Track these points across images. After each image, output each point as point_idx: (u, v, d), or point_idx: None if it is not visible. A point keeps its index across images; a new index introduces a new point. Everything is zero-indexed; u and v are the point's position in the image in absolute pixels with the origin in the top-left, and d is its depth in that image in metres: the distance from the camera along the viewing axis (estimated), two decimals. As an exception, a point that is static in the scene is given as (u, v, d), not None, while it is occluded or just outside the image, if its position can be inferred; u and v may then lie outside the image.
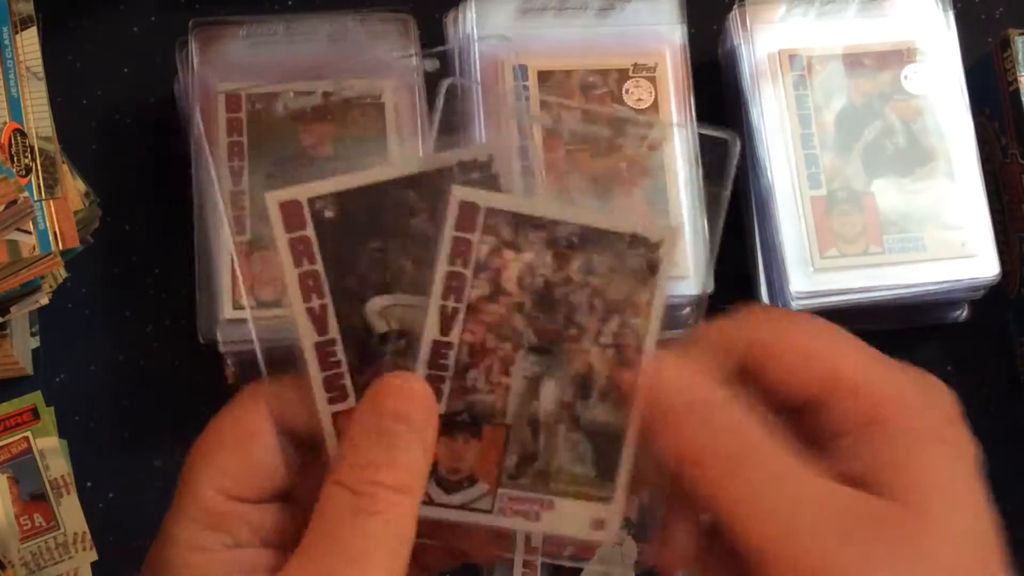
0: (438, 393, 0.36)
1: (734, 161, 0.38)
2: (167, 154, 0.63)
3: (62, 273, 0.57)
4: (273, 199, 0.37)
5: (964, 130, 0.62)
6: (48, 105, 0.56)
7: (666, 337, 0.36)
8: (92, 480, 0.61)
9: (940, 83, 0.62)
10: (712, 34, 0.66)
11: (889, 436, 0.33)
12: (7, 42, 0.56)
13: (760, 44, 0.62)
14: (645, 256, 0.36)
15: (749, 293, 0.63)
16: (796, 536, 0.31)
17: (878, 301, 0.60)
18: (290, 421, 0.36)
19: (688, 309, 0.55)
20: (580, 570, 0.57)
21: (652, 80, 0.61)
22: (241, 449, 0.35)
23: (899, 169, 0.61)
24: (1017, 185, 0.63)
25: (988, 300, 0.62)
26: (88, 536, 0.59)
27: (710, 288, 0.57)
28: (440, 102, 0.40)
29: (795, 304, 0.59)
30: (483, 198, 0.36)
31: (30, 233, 0.52)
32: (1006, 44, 0.63)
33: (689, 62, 0.61)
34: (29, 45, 0.57)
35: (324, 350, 0.37)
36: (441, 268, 0.36)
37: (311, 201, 0.37)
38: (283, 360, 0.37)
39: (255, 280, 0.55)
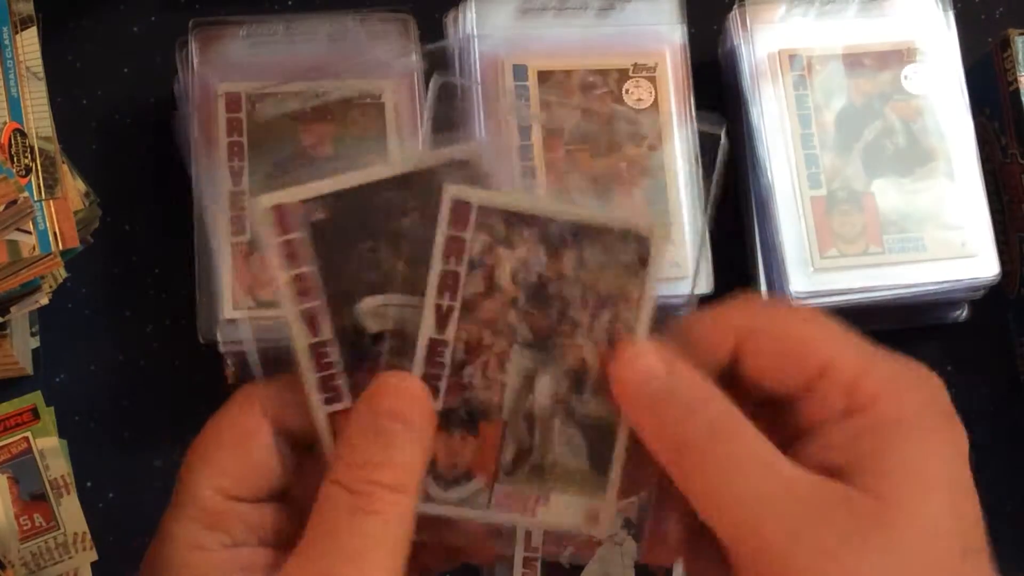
0: (435, 390, 0.36)
1: (722, 154, 0.38)
2: (167, 154, 0.63)
3: (62, 273, 0.57)
4: (263, 202, 0.37)
5: (964, 130, 0.62)
6: (48, 105, 0.56)
7: (658, 330, 0.36)
8: (92, 480, 0.61)
9: (940, 83, 0.62)
10: (712, 34, 0.66)
11: (872, 426, 0.33)
12: (7, 42, 0.56)
13: (760, 44, 0.62)
14: (636, 250, 0.36)
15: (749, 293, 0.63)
16: (764, 525, 0.31)
17: (878, 301, 0.60)
18: (286, 421, 0.36)
19: (687, 309, 0.55)
20: (580, 570, 0.57)
21: (652, 80, 0.61)
22: (239, 449, 0.36)
23: (899, 169, 0.61)
24: (1017, 185, 0.63)
25: (988, 300, 0.62)
26: (88, 536, 0.59)
27: (710, 288, 0.57)
28: (431, 99, 0.41)
29: (795, 304, 0.59)
30: (475, 196, 0.36)
31: (30, 233, 0.52)
32: (1006, 44, 0.63)
33: (689, 62, 0.61)
34: (29, 45, 0.57)
35: (318, 351, 0.37)
36: (435, 266, 0.36)
37: (301, 204, 0.37)
38: (281, 360, 0.38)
39: (254, 280, 0.55)
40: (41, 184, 0.54)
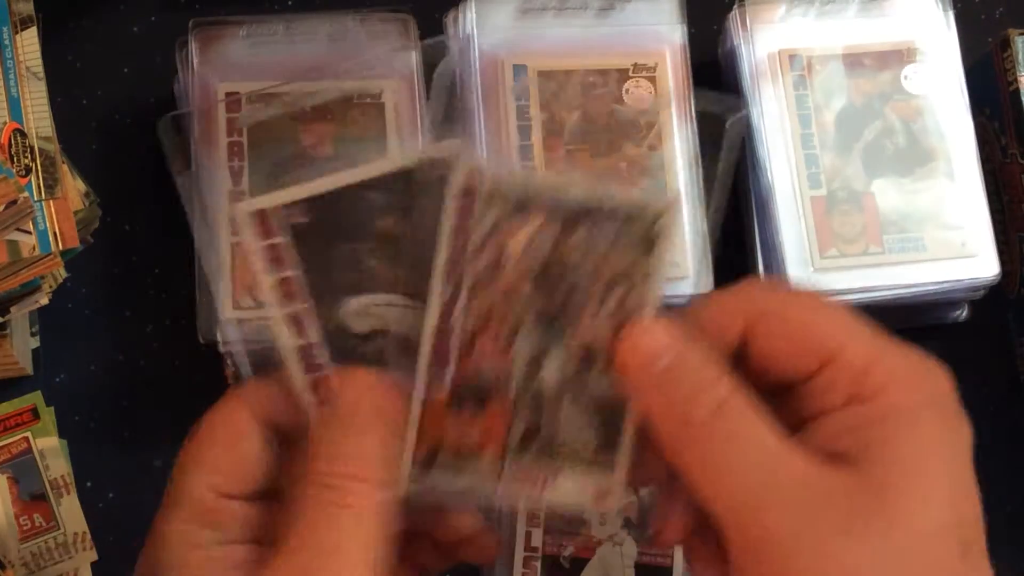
0: (443, 367, 0.36)
1: (737, 137, 0.38)
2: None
3: (62, 273, 0.57)
4: (244, 207, 0.37)
5: (964, 130, 0.62)
6: (48, 105, 0.56)
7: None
8: (92, 480, 0.61)
9: (940, 83, 0.62)
10: (712, 34, 0.67)
11: (879, 415, 0.32)
12: (7, 42, 0.56)
13: (760, 44, 0.62)
14: (646, 229, 0.36)
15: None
16: (765, 510, 0.31)
17: (878, 301, 0.60)
18: (277, 419, 0.37)
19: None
20: (580, 570, 0.57)
21: (652, 80, 0.61)
22: (230, 447, 0.36)
23: (899, 169, 0.61)
24: (1017, 185, 0.63)
25: (988, 300, 0.62)
26: (88, 536, 0.59)
27: (710, 288, 0.57)
28: (436, 93, 0.41)
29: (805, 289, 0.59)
30: (487, 172, 0.36)
31: (30, 233, 0.52)
32: (1006, 44, 0.63)
33: (689, 62, 0.61)
34: (29, 45, 0.57)
35: (305, 353, 0.38)
36: (445, 243, 0.36)
37: (282, 208, 0.38)
38: (273, 360, 0.38)
39: (254, 281, 0.55)
40: (41, 184, 0.54)
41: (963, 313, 0.64)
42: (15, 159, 0.53)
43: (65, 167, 0.57)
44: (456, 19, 0.62)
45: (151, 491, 0.60)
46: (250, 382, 0.38)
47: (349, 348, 0.38)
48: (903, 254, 0.60)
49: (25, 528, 0.58)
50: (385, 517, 0.34)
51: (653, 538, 0.38)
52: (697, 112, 0.59)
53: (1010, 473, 0.62)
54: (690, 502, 0.35)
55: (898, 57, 0.63)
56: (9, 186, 0.49)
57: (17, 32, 0.56)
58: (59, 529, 0.58)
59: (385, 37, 0.60)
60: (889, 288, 0.59)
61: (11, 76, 0.55)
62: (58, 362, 0.62)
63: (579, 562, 0.57)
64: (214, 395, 0.38)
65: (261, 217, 0.37)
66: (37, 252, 0.52)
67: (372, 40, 0.60)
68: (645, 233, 0.36)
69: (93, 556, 0.59)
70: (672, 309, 0.36)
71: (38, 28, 0.57)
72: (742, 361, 0.35)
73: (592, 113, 0.60)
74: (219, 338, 0.55)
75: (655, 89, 0.61)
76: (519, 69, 0.60)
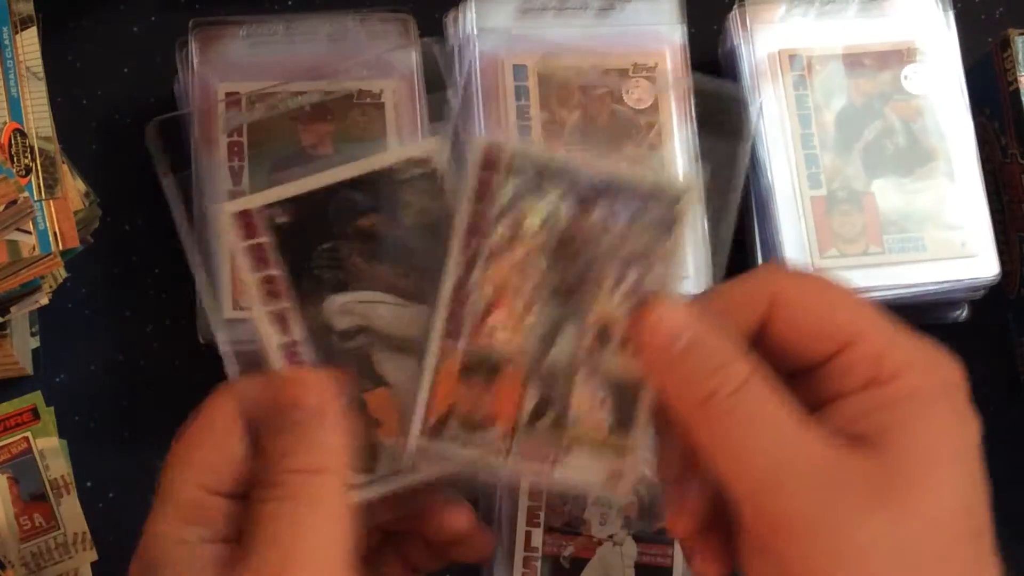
0: (459, 333, 0.36)
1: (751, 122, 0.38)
2: (167, 155, 0.63)
3: (62, 273, 0.57)
4: (227, 209, 0.38)
5: (964, 130, 0.62)
6: (48, 105, 0.56)
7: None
8: (92, 480, 0.61)
9: (940, 83, 0.62)
10: (712, 34, 0.66)
11: (895, 399, 0.33)
12: (7, 42, 0.56)
13: (760, 44, 0.62)
14: (666, 208, 0.36)
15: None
16: (785, 489, 0.32)
17: (878, 301, 0.60)
18: (263, 416, 0.37)
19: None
20: (580, 570, 0.57)
21: (652, 80, 0.61)
22: (217, 444, 0.36)
23: (899, 169, 0.61)
24: (1017, 185, 0.63)
25: (988, 300, 0.62)
26: (88, 536, 0.59)
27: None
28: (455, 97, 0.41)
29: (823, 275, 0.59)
30: (507, 144, 0.36)
31: (30, 233, 0.52)
32: (1006, 44, 0.63)
33: (689, 62, 0.61)
34: (29, 45, 0.57)
35: (289, 351, 0.38)
36: (463, 212, 0.36)
37: (263, 209, 0.38)
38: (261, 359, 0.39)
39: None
40: (41, 184, 0.54)
41: (963, 313, 0.64)
42: (15, 159, 0.53)
43: (65, 167, 0.57)
44: (456, 19, 0.62)
45: (151, 491, 0.60)
46: (238, 380, 0.39)
47: (332, 345, 0.38)
48: (903, 254, 0.60)
49: (25, 528, 0.58)
50: (343, 507, 0.35)
51: (668, 523, 0.37)
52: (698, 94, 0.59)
53: (1010, 473, 0.62)
54: (701, 495, 0.35)
55: (898, 57, 0.63)
56: (9, 186, 0.49)
57: (17, 32, 0.56)
58: (59, 529, 0.58)
59: (385, 37, 0.60)
60: (889, 288, 0.59)
61: (11, 76, 0.55)
62: (58, 362, 0.62)
63: (579, 562, 0.57)
64: (214, 395, 0.38)
65: (244, 217, 0.38)
66: (37, 252, 0.52)
67: (372, 40, 0.60)
68: (664, 214, 0.36)
69: (93, 556, 0.59)
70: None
71: (38, 28, 0.57)
72: (759, 344, 0.35)
73: (592, 113, 0.60)
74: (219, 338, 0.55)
75: (655, 89, 0.61)
76: (519, 69, 0.60)
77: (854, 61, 0.62)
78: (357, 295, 0.39)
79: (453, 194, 0.38)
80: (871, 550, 0.31)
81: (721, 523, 0.35)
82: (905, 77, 0.62)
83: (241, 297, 0.55)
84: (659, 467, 0.37)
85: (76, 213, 0.56)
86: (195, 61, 0.59)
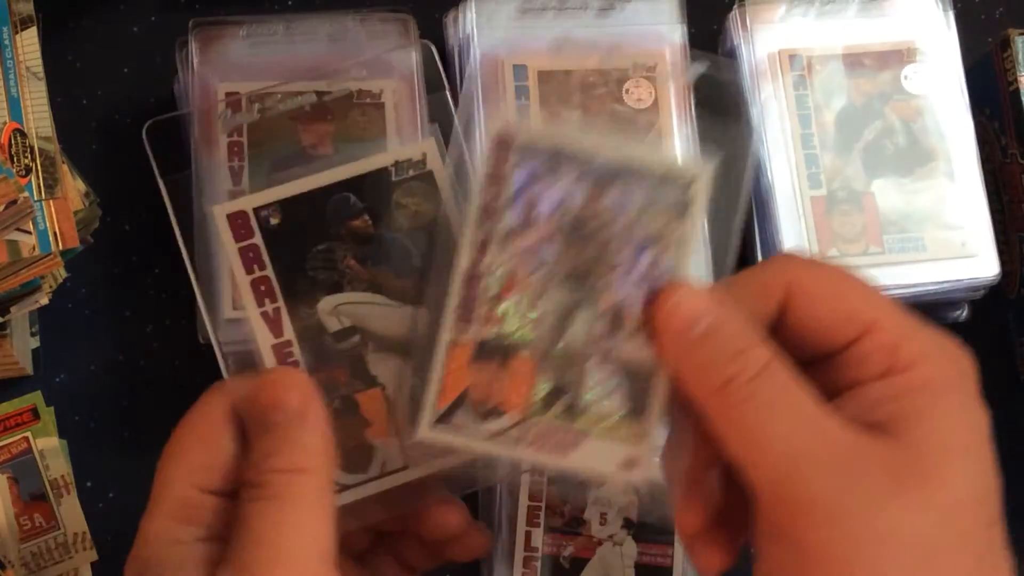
0: (471, 319, 0.36)
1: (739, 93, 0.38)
2: (167, 155, 0.63)
3: (62, 273, 0.57)
4: (220, 211, 0.38)
5: (964, 130, 0.62)
6: (48, 105, 0.56)
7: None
8: (92, 480, 0.61)
9: (940, 83, 0.62)
10: (712, 34, 0.66)
11: (912, 387, 0.33)
12: (7, 42, 0.56)
13: (760, 44, 0.62)
14: (679, 193, 0.36)
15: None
16: (806, 475, 0.32)
17: (878, 301, 0.60)
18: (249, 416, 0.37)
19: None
20: (580, 570, 0.57)
21: (652, 80, 0.61)
22: (209, 442, 0.36)
23: (899, 169, 0.61)
24: (1017, 185, 0.63)
25: (988, 300, 0.62)
26: (88, 536, 0.59)
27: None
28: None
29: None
30: (520, 128, 0.36)
31: (30, 233, 0.52)
32: (1006, 44, 0.63)
33: (689, 62, 0.61)
34: (29, 45, 0.57)
35: (281, 351, 0.38)
36: (475, 197, 0.36)
37: (256, 211, 0.38)
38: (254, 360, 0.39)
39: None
40: (41, 184, 0.54)
41: (963, 313, 0.64)
42: (15, 159, 0.53)
43: (65, 167, 0.57)
44: (456, 19, 0.62)
45: (151, 491, 0.60)
46: (229, 379, 0.39)
47: (325, 346, 0.38)
48: (903, 254, 0.60)
49: (25, 528, 0.58)
50: (325, 505, 0.35)
51: (679, 515, 0.37)
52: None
53: (1010, 473, 0.62)
54: (712, 487, 0.35)
55: (898, 57, 0.63)
56: (9, 186, 0.49)
57: (17, 32, 0.56)
58: (59, 529, 0.58)
59: (385, 37, 0.60)
60: (889, 288, 0.59)
61: (11, 76, 0.55)
62: (58, 362, 0.62)
63: (579, 562, 0.57)
64: (214, 395, 0.38)
65: (236, 219, 0.38)
66: (37, 252, 0.52)
67: (372, 40, 0.60)
68: (679, 197, 0.36)
69: (93, 556, 0.59)
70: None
71: (38, 28, 0.57)
72: (775, 334, 0.35)
73: (592, 113, 0.60)
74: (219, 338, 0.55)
75: (655, 89, 0.61)
76: (519, 69, 0.60)
77: (854, 61, 0.62)
78: (350, 296, 0.39)
79: (447, 196, 0.38)
80: (889, 538, 0.31)
81: (729, 514, 0.35)
82: (905, 77, 0.62)
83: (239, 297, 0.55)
84: (669, 456, 0.37)
85: (76, 213, 0.56)
86: (195, 61, 0.59)
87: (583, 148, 0.36)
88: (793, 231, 0.60)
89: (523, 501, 0.58)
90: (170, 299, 0.63)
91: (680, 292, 0.35)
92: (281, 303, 0.38)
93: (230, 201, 0.39)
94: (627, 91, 0.60)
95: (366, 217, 0.39)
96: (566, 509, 0.58)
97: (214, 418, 0.37)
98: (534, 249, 0.36)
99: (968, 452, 0.32)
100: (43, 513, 0.59)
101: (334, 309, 0.39)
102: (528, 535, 0.57)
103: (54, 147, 0.56)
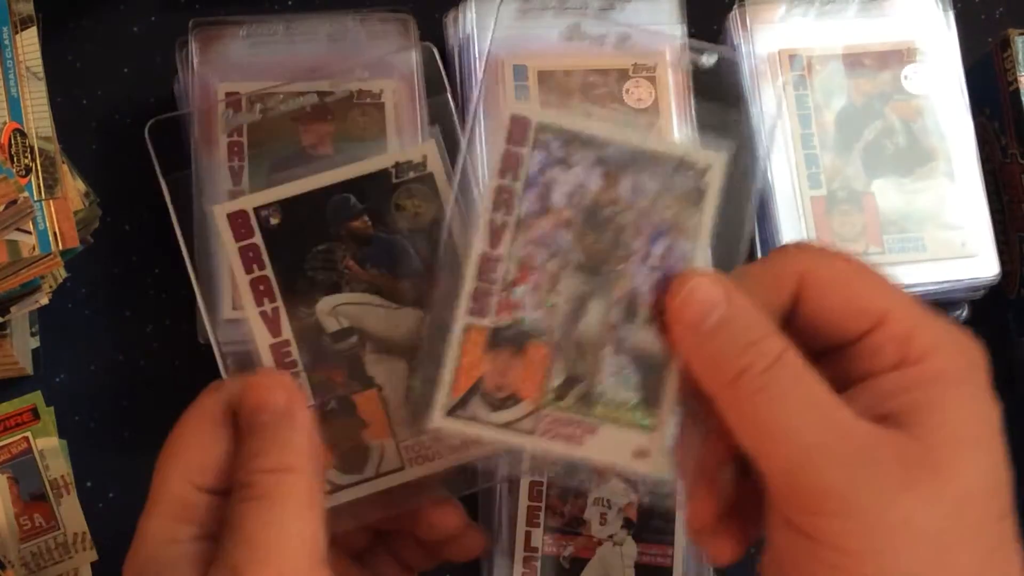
0: (485, 307, 0.36)
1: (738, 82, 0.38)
2: (167, 155, 0.63)
3: (62, 273, 0.57)
4: (220, 211, 0.38)
5: (964, 130, 0.62)
6: (48, 105, 0.56)
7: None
8: (92, 480, 0.61)
9: (940, 83, 0.62)
10: (712, 34, 0.66)
11: (925, 379, 0.33)
12: (7, 42, 0.56)
13: (760, 44, 0.62)
14: (693, 181, 0.36)
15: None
16: (819, 466, 0.31)
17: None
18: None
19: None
20: (580, 570, 0.57)
21: (652, 80, 0.61)
22: (206, 441, 0.37)
23: (899, 169, 0.61)
24: (1017, 185, 0.63)
25: (988, 300, 0.62)
26: (88, 536, 0.59)
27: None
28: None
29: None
30: (535, 113, 0.36)
31: (30, 233, 0.52)
32: (1006, 44, 0.63)
33: (700, 52, 0.61)
34: (29, 45, 0.57)
35: (279, 351, 0.38)
36: (491, 182, 0.36)
37: (257, 210, 0.38)
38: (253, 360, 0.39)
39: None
40: (41, 184, 0.54)
41: (963, 313, 0.64)
42: (15, 159, 0.53)
43: (65, 167, 0.57)
44: (456, 19, 0.62)
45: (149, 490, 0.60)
46: (226, 378, 0.39)
47: (323, 346, 0.38)
48: (903, 254, 0.60)
49: (25, 528, 0.58)
50: (312, 504, 0.35)
51: (689, 512, 0.37)
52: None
53: (1011, 472, 0.62)
54: (723, 479, 0.35)
55: (898, 57, 0.63)
56: (9, 186, 0.49)
57: (17, 32, 0.56)
58: (59, 529, 0.58)
59: (385, 37, 0.60)
60: (889, 288, 0.59)
61: (11, 76, 0.55)
62: (58, 362, 0.62)
63: (579, 562, 0.57)
64: (214, 395, 0.38)
65: (236, 219, 0.38)
66: (37, 252, 0.52)
67: (372, 40, 0.60)
68: (693, 185, 0.36)
69: (93, 556, 0.59)
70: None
71: (38, 28, 0.57)
72: (789, 323, 0.35)
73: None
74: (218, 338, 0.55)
75: (655, 89, 0.61)
76: (519, 69, 0.60)
77: (854, 61, 0.62)
78: (349, 297, 0.39)
79: (446, 197, 0.38)
80: (902, 529, 0.31)
81: (741, 504, 0.35)
82: (905, 77, 0.62)
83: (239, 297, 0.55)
84: (682, 446, 0.37)
85: (76, 213, 0.56)
86: (195, 61, 0.59)
87: (596, 136, 0.36)
88: (793, 231, 0.60)
89: (523, 501, 0.58)
90: (170, 299, 0.63)
91: (693, 282, 0.35)
92: (280, 303, 0.38)
93: (231, 200, 0.39)
94: (627, 91, 0.60)
95: (366, 218, 0.39)
96: (566, 509, 0.58)
97: (211, 417, 0.37)
98: (549, 235, 0.36)
99: (980, 444, 0.32)
100: (43, 513, 0.59)
101: (333, 310, 0.39)
102: (528, 535, 0.57)
103: (54, 147, 0.56)
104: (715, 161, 0.36)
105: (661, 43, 0.61)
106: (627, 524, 0.58)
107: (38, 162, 0.54)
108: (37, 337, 0.62)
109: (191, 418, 0.37)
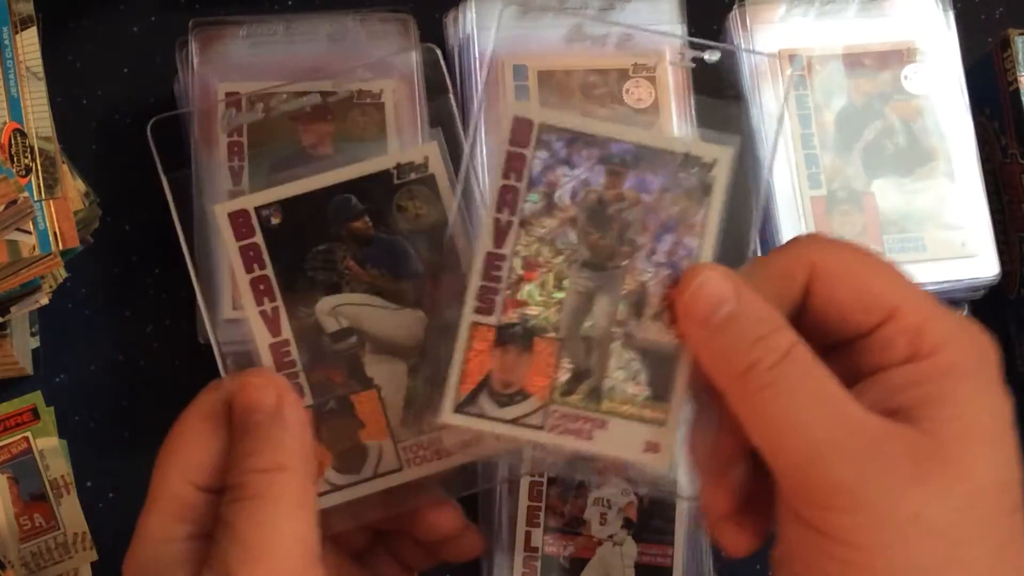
0: (491, 305, 0.36)
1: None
2: (167, 154, 0.63)
3: (62, 273, 0.57)
4: (221, 210, 0.38)
5: (964, 130, 0.62)
6: (48, 105, 0.56)
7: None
8: (92, 480, 0.61)
9: (940, 83, 0.62)
10: (712, 34, 0.66)
11: (935, 373, 0.33)
12: (7, 42, 0.56)
13: (760, 44, 0.62)
14: (699, 176, 0.36)
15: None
16: (829, 460, 0.31)
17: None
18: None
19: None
20: (580, 570, 0.57)
21: (652, 80, 0.61)
22: (205, 439, 0.37)
23: (899, 169, 0.61)
24: (1017, 185, 0.63)
25: (988, 300, 0.62)
26: (88, 536, 0.59)
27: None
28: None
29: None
30: (538, 113, 0.36)
31: (30, 233, 0.52)
32: (1006, 44, 0.63)
33: (703, 50, 0.61)
34: (29, 45, 0.57)
35: (279, 351, 0.38)
36: (495, 181, 0.36)
37: (257, 210, 0.38)
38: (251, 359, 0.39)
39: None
40: (41, 184, 0.54)
41: (963, 313, 0.64)
42: (15, 159, 0.53)
43: (65, 167, 0.57)
44: (456, 19, 0.62)
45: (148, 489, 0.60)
46: (225, 377, 0.39)
47: (323, 347, 0.38)
48: (903, 254, 0.60)
49: (25, 528, 0.58)
50: (305, 504, 0.35)
51: (704, 503, 0.37)
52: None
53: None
54: (738, 472, 0.35)
55: (898, 57, 0.63)
56: (9, 186, 0.49)
57: (17, 32, 0.56)
58: (59, 529, 0.58)
59: (385, 37, 0.60)
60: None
61: (11, 76, 0.55)
62: (58, 362, 0.62)
63: (579, 562, 0.57)
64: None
65: (237, 218, 0.38)
66: (37, 252, 0.52)
67: (372, 40, 0.60)
68: (699, 180, 0.36)
69: (93, 556, 0.59)
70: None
71: (38, 28, 0.57)
72: (800, 317, 0.35)
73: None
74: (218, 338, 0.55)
75: (655, 89, 0.61)
76: (519, 69, 0.60)
77: (854, 61, 0.62)
78: (349, 297, 0.39)
79: (448, 200, 0.38)
80: (913, 523, 0.31)
81: (757, 496, 0.35)
82: (905, 77, 0.62)
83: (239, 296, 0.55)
84: (694, 440, 0.37)
85: (76, 213, 0.56)
86: (195, 61, 0.59)
87: (600, 134, 0.36)
88: (793, 231, 0.60)
89: (523, 501, 0.58)
90: (170, 299, 0.63)
91: (702, 276, 0.35)
92: (280, 302, 0.38)
93: (232, 200, 0.39)
94: (627, 91, 0.60)
95: (367, 219, 0.39)
96: (566, 509, 0.58)
97: (209, 416, 0.37)
98: (556, 232, 0.36)
99: (991, 439, 0.32)
100: (43, 513, 0.59)
101: (332, 310, 0.39)
102: (528, 535, 0.57)
103: (54, 147, 0.56)
104: (722, 155, 0.36)
105: (661, 43, 0.61)
106: (627, 524, 0.58)
107: (38, 162, 0.54)
108: (37, 337, 0.62)
109: (190, 417, 0.37)
